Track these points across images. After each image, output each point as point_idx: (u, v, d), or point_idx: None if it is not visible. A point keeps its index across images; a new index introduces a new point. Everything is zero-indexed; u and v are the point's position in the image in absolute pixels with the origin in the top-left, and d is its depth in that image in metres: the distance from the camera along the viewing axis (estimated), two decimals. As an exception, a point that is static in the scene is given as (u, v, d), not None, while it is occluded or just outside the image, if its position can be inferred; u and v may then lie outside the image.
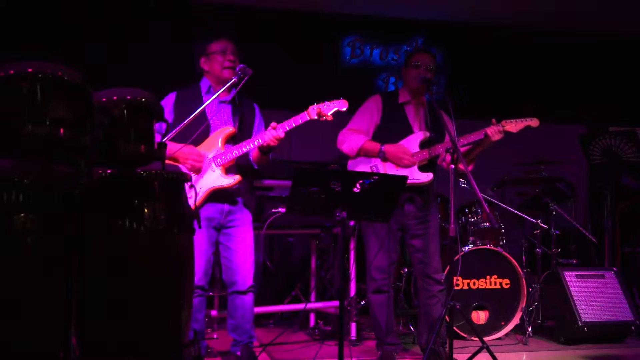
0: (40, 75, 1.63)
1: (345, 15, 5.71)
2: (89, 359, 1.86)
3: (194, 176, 3.12)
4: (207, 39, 3.28)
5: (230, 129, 3.19)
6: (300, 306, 4.24)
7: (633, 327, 3.99)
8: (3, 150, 1.68)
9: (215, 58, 3.22)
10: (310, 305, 4.16)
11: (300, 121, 3.09)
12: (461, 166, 3.11)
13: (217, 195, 3.14)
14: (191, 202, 3.04)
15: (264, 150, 3.15)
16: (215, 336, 4.05)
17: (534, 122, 3.34)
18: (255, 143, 3.10)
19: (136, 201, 1.92)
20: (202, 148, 3.16)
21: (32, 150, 1.67)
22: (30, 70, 1.62)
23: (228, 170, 3.15)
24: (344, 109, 3.13)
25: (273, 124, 3.10)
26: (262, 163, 3.29)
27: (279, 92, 5.26)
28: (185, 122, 2.98)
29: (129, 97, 1.93)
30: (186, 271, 2.09)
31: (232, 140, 3.20)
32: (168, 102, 3.24)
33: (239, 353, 3.26)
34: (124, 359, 1.89)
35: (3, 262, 1.60)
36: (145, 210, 1.92)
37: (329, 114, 3.09)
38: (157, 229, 1.93)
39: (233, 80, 3.11)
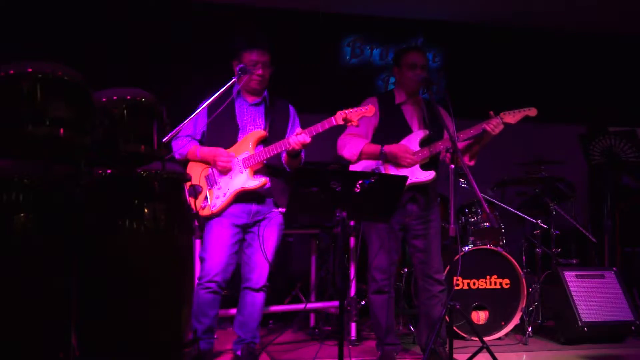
0: (40, 75, 1.63)
1: (345, 15, 5.71)
2: (89, 359, 1.86)
3: (222, 177, 3.19)
4: (243, 42, 3.28)
5: (261, 132, 3.25)
6: (300, 306, 4.24)
7: (633, 327, 3.99)
8: (3, 150, 1.68)
9: (246, 69, 3.23)
10: (310, 305, 4.16)
11: (327, 126, 3.12)
12: (465, 159, 3.10)
13: (244, 195, 3.19)
14: (218, 202, 3.14)
15: (291, 154, 3.19)
16: (215, 336, 4.03)
17: (532, 112, 3.29)
18: (282, 146, 3.14)
19: (136, 201, 1.92)
20: (233, 150, 3.23)
21: (32, 150, 1.67)
22: (30, 70, 1.62)
23: (256, 172, 3.20)
24: (371, 115, 3.16)
25: (298, 129, 3.13)
26: (293, 165, 3.31)
27: (279, 92, 5.24)
28: (183, 123, 3.00)
29: (129, 97, 1.93)
30: (186, 271, 2.09)
31: (263, 142, 3.24)
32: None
33: (239, 353, 3.27)
34: (124, 359, 1.89)
35: (3, 262, 1.61)
36: (145, 211, 1.92)
37: (356, 119, 3.12)
38: (157, 229, 1.93)
39: (233, 80, 3.14)
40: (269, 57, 3.28)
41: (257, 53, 3.24)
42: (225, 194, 3.17)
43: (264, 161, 3.19)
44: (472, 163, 3.43)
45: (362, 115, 3.12)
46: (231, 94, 3.26)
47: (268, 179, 3.21)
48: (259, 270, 3.25)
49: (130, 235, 1.90)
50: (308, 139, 3.10)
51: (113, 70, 4.80)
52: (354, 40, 5.79)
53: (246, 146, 3.22)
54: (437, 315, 3.28)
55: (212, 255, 3.15)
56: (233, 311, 3.47)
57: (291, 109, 3.44)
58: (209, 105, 3.23)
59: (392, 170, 3.31)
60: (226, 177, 3.19)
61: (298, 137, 3.10)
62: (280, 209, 3.29)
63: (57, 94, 1.66)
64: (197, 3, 5.34)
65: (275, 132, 3.30)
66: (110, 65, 4.87)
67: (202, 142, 3.30)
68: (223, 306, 4.03)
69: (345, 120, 3.10)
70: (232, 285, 3.54)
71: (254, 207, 3.23)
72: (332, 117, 3.12)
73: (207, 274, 3.14)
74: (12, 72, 1.62)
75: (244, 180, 3.18)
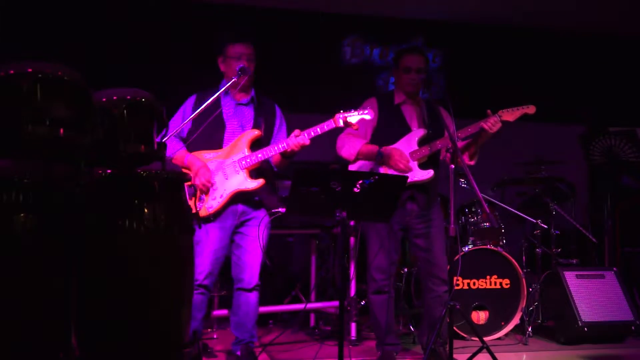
0: (40, 75, 1.63)
1: (345, 15, 5.71)
2: (89, 359, 1.86)
3: (218, 178, 3.15)
4: (227, 38, 3.28)
5: (256, 132, 3.22)
6: (300, 306, 4.24)
7: (633, 327, 3.99)
8: (3, 150, 1.68)
9: (230, 63, 3.23)
10: (310, 305, 4.16)
11: (326, 128, 3.11)
12: (465, 159, 3.11)
13: (238, 197, 3.16)
14: (215, 202, 3.10)
15: (286, 155, 3.17)
16: (215, 336, 4.05)
17: (530, 109, 3.30)
18: (280, 147, 3.11)
19: (136, 201, 1.92)
20: (227, 150, 3.19)
21: (32, 150, 1.67)
22: (30, 70, 1.62)
23: (252, 173, 3.17)
24: (369, 118, 3.15)
25: (296, 131, 3.11)
26: (282, 166, 3.30)
27: (279, 92, 5.24)
28: (183, 122, 2.99)
29: (129, 97, 1.93)
30: (186, 271, 2.09)
31: (256, 143, 3.21)
32: (188, 105, 3.28)
33: (239, 353, 3.26)
34: (124, 359, 1.89)
35: (3, 262, 1.61)
36: (145, 211, 1.92)
37: (355, 122, 3.10)
38: (157, 229, 1.93)
39: (233, 80, 3.13)
40: (253, 50, 3.26)
41: (241, 46, 3.23)
42: (222, 195, 3.14)
43: (261, 162, 3.17)
44: (472, 162, 3.42)
45: (360, 118, 3.11)
46: (218, 92, 3.26)
47: (264, 180, 3.18)
48: (250, 270, 3.23)
49: (130, 235, 1.90)
50: (307, 141, 3.09)
51: (113, 70, 4.79)
52: (354, 40, 5.79)
53: (241, 146, 3.18)
54: (439, 316, 3.26)
55: (202, 260, 3.12)
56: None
57: (277, 109, 3.41)
58: (194, 104, 3.23)
59: (389, 172, 3.30)
60: (222, 178, 3.16)
61: (297, 138, 3.08)
62: (280, 209, 3.28)
63: (57, 94, 1.66)
64: (197, 3, 5.34)
65: (267, 131, 3.28)
66: (110, 65, 4.87)
67: (187, 141, 3.23)
68: (223, 306, 4.05)
69: (345, 123, 3.09)
70: (231, 286, 3.54)
71: (240, 207, 3.20)
72: (331, 120, 3.11)
73: (196, 278, 3.09)
74: (12, 72, 1.62)
75: (241, 181, 3.15)
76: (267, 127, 3.30)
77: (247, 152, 3.17)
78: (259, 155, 3.14)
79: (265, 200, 3.26)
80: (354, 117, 3.10)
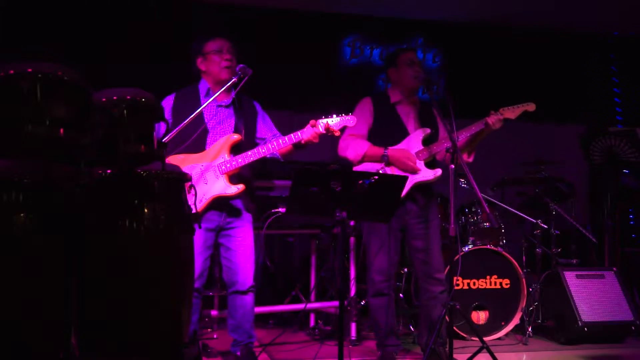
0: (40, 75, 1.63)
1: (345, 15, 5.71)
2: (89, 359, 1.87)
3: (198, 183, 3.10)
4: (202, 38, 3.25)
5: (236, 137, 3.16)
6: (300, 306, 4.24)
7: (633, 327, 3.99)
8: (3, 150, 1.68)
9: (212, 58, 3.20)
10: (310, 305, 4.16)
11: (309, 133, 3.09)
12: (465, 157, 3.13)
13: (217, 201, 3.13)
14: (194, 208, 3.06)
15: (300, 145, 3.13)
16: (215, 336, 4.05)
17: (530, 107, 3.35)
18: (293, 138, 3.08)
19: (136, 201, 1.93)
20: (207, 155, 3.14)
21: (32, 150, 1.67)
22: (30, 70, 1.62)
23: (232, 179, 3.13)
24: (352, 125, 3.14)
25: (312, 121, 3.07)
26: (289, 156, 3.27)
27: (279, 92, 5.26)
28: (181, 125, 2.97)
29: (129, 97, 1.93)
30: (186, 271, 2.09)
31: (236, 147, 3.16)
32: (167, 104, 3.22)
33: (238, 353, 3.26)
34: (124, 359, 1.89)
35: (3, 262, 1.61)
36: (145, 211, 1.92)
37: (337, 129, 3.09)
38: (157, 229, 1.93)
39: (233, 80, 3.09)
40: (232, 44, 3.22)
41: (219, 39, 3.20)
42: (201, 200, 3.07)
43: (241, 167, 3.12)
44: (470, 159, 3.44)
45: (343, 125, 3.10)
46: (198, 94, 3.22)
47: (244, 186, 3.13)
48: (243, 272, 3.21)
49: (130, 235, 1.90)
50: (324, 131, 3.05)
51: (113, 70, 4.79)
52: (354, 40, 5.79)
53: (220, 151, 3.12)
54: (438, 317, 3.27)
55: None
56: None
57: (257, 105, 3.37)
58: (174, 105, 3.18)
59: (398, 172, 3.31)
60: (201, 183, 3.09)
61: (314, 128, 3.04)
62: (281, 209, 3.27)
63: (57, 94, 1.66)
64: (197, 3, 5.34)
65: (248, 135, 3.24)
66: (110, 65, 4.87)
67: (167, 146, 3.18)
68: (222, 307, 4.04)
69: (327, 130, 3.07)
70: (226, 286, 3.54)
71: (224, 209, 3.17)
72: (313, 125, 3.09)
73: None
74: (12, 72, 1.62)
75: (222, 187, 3.09)
76: (247, 130, 3.25)
77: (227, 156, 3.11)
78: (239, 160, 3.09)
79: (246, 203, 3.23)
80: (336, 125, 3.08)
